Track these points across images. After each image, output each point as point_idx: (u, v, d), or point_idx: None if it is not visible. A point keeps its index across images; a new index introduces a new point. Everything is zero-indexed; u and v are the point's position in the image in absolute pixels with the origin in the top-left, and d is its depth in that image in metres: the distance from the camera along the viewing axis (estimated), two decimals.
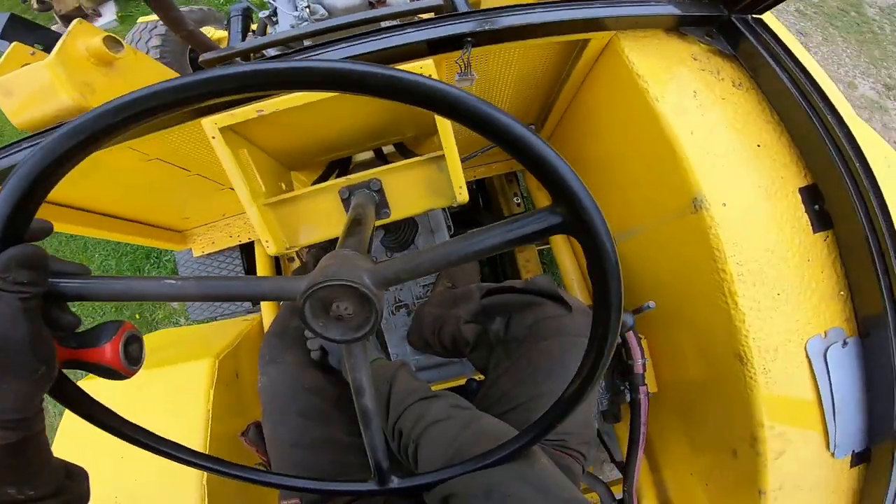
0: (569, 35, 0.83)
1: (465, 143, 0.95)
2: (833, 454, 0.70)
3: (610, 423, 1.09)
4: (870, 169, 0.65)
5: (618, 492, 1.06)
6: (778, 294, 0.68)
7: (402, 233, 1.25)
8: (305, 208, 0.90)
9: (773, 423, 0.68)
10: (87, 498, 0.43)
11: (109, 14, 4.32)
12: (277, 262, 1.56)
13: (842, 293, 0.70)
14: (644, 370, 0.93)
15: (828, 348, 0.68)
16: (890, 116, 3.75)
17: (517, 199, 1.71)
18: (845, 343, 0.69)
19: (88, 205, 1.14)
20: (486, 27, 0.74)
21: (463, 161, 0.86)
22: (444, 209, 1.35)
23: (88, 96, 0.91)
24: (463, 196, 0.85)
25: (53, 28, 3.94)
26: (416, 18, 0.86)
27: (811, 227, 0.70)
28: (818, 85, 0.70)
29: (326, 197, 0.87)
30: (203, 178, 1.15)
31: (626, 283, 0.85)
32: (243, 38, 1.50)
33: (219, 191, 1.25)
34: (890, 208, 0.65)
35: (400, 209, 0.89)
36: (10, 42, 1.04)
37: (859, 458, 0.71)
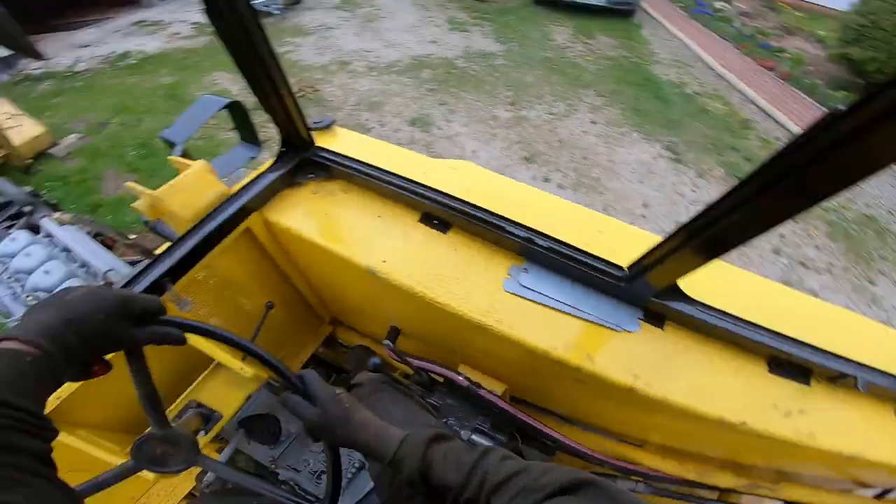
0: (235, 232, 1.10)
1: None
2: (628, 331, 0.89)
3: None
4: (438, 190, 1.06)
5: None
6: (458, 279, 0.99)
7: (268, 427, 1.33)
8: None
9: (555, 345, 0.88)
10: None
11: None
12: None
13: (494, 247, 1.03)
14: (470, 381, 1.10)
15: (519, 280, 0.96)
16: (531, 120, 5.31)
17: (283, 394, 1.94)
18: (526, 270, 0.99)
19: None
20: (181, 256, 0.98)
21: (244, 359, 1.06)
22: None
23: None
24: (250, 372, 1.03)
25: None
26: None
27: (441, 233, 1.06)
28: (377, 166, 1.12)
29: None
30: None
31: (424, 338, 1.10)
32: None
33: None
34: (469, 193, 1.04)
35: (226, 407, 1.06)
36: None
37: (655, 319, 0.90)
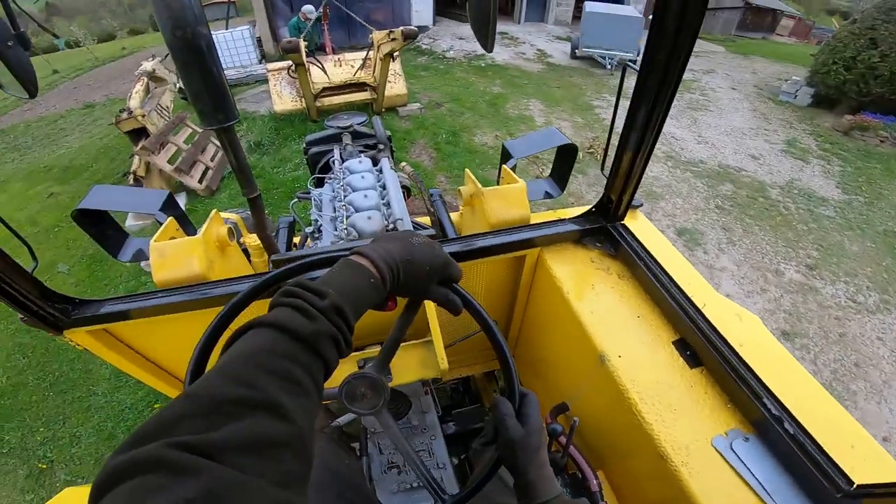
0: (511, 253, 1.25)
1: (446, 334, 1.25)
2: None
3: None
4: (712, 325, 0.99)
5: None
6: (675, 409, 0.92)
7: (398, 405, 1.40)
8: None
9: None
10: None
11: (180, 204, 5.21)
12: None
13: (728, 406, 0.94)
14: (599, 489, 1.08)
15: (732, 443, 0.88)
16: (822, 295, 4.27)
17: (497, 396, 1.93)
18: (747, 439, 0.89)
19: (136, 345, 1.33)
20: (465, 248, 1.18)
21: (446, 347, 1.17)
22: (434, 398, 1.58)
23: (208, 271, 1.21)
24: (444, 365, 1.13)
25: (129, 213, 4.94)
26: None
27: (688, 365, 0.99)
28: (667, 272, 1.10)
29: (347, 366, 1.09)
30: None
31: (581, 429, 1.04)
32: (288, 246, 1.97)
33: None
34: (743, 348, 0.95)
35: (400, 376, 1.16)
36: (167, 216, 1.39)
37: None
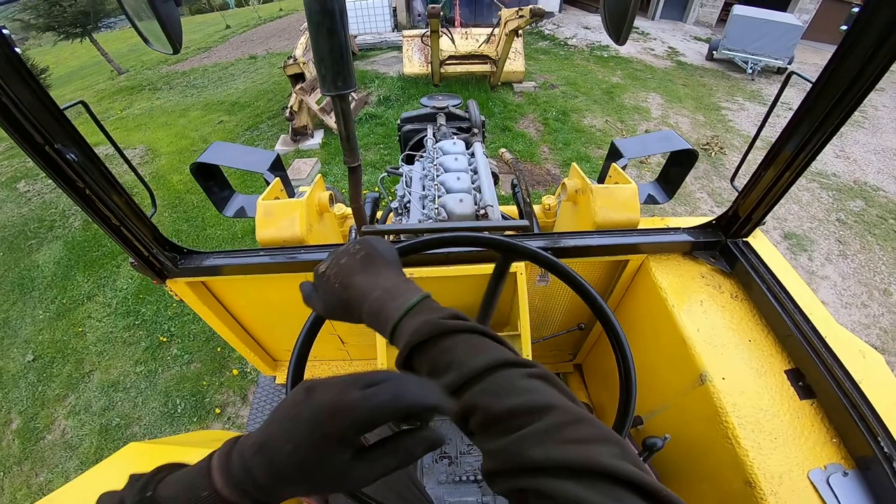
0: (613, 256, 1.14)
1: (534, 330, 1.19)
2: None
3: None
4: (837, 357, 0.85)
5: None
6: (775, 438, 0.82)
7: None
8: None
9: None
10: None
11: (318, 138, 5.88)
12: None
13: (834, 440, 0.82)
14: None
15: (829, 477, 0.78)
16: None
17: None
18: (846, 474, 0.78)
19: (226, 301, 1.30)
20: (554, 245, 1.09)
21: (533, 343, 1.09)
22: None
23: (307, 234, 1.16)
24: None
25: (280, 139, 5.71)
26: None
27: (797, 396, 0.86)
28: (792, 297, 0.95)
29: None
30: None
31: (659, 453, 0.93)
32: (371, 219, 1.87)
33: (328, 340, 1.45)
34: (864, 384, 0.82)
35: None
36: (274, 176, 1.35)
37: None
